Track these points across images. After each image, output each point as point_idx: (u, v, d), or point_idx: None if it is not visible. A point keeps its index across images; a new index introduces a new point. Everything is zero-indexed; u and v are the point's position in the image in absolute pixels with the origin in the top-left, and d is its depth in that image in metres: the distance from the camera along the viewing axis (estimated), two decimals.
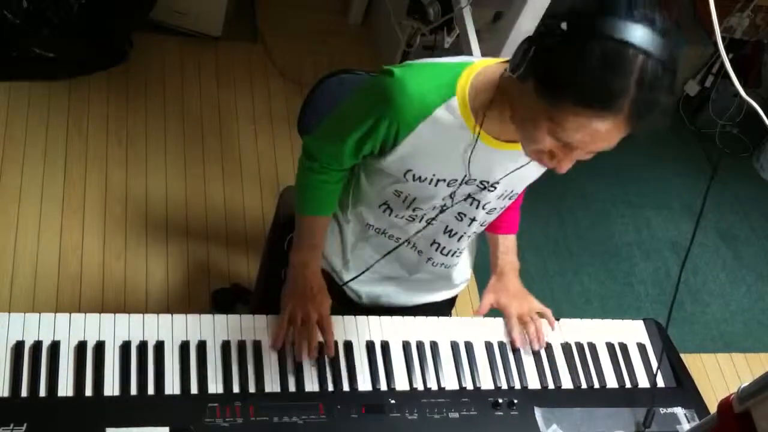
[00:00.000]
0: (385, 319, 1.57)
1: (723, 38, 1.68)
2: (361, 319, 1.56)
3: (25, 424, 1.26)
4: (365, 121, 1.37)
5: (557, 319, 1.69)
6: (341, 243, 1.66)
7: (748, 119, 3.70)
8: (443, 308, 1.83)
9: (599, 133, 1.16)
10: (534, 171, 1.49)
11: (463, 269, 1.76)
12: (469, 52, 2.59)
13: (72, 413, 1.30)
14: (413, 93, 1.32)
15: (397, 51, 3.11)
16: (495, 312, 1.69)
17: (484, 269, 2.79)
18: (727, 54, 1.42)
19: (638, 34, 1.10)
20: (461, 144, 1.38)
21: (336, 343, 1.51)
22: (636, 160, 3.59)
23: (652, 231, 3.35)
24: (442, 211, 1.51)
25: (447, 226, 1.56)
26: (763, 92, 3.69)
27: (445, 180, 1.43)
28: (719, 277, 3.29)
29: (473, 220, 1.53)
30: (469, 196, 1.48)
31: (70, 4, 2.80)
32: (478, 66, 1.35)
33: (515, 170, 1.44)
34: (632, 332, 1.71)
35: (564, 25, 1.13)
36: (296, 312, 1.51)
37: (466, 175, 1.42)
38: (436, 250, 1.61)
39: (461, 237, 1.58)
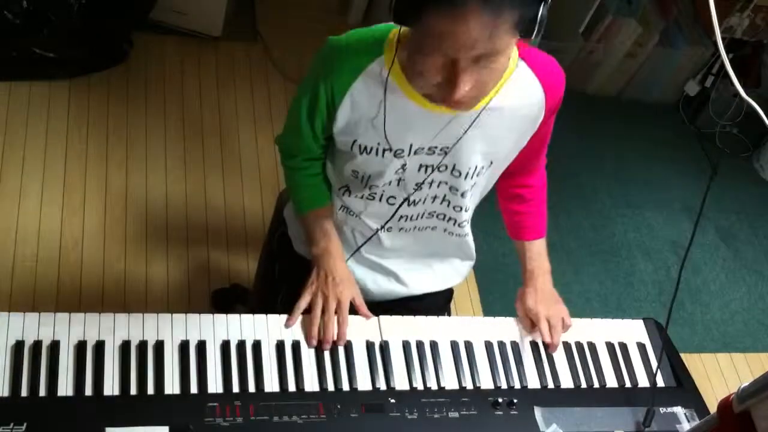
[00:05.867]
0: (385, 319, 1.57)
1: (723, 38, 1.68)
2: (361, 318, 1.56)
3: (24, 424, 1.26)
4: (308, 93, 1.39)
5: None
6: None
7: (748, 119, 3.70)
8: (440, 301, 1.82)
9: (466, 31, 1.13)
10: (484, 133, 1.43)
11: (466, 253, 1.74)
12: None
13: (72, 413, 1.30)
14: (346, 49, 1.34)
15: None
16: (496, 312, 1.68)
17: (487, 269, 2.80)
18: (727, 54, 1.42)
19: None
20: (396, 107, 1.35)
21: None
22: (636, 160, 3.59)
23: (652, 231, 3.34)
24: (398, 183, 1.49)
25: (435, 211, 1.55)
26: (763, 92, 3.69)
27: (391, 149, 1.41)
28: (719, 277, 3.29)
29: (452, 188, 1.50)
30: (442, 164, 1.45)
31: (70, 4, 2.80)
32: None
33: (444, 128, 1.40)
34: (632, 332, 1.71)
35: None
36: (316, 299, 1.51)
37: (420, 144, 1.40)
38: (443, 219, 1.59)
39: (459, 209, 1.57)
